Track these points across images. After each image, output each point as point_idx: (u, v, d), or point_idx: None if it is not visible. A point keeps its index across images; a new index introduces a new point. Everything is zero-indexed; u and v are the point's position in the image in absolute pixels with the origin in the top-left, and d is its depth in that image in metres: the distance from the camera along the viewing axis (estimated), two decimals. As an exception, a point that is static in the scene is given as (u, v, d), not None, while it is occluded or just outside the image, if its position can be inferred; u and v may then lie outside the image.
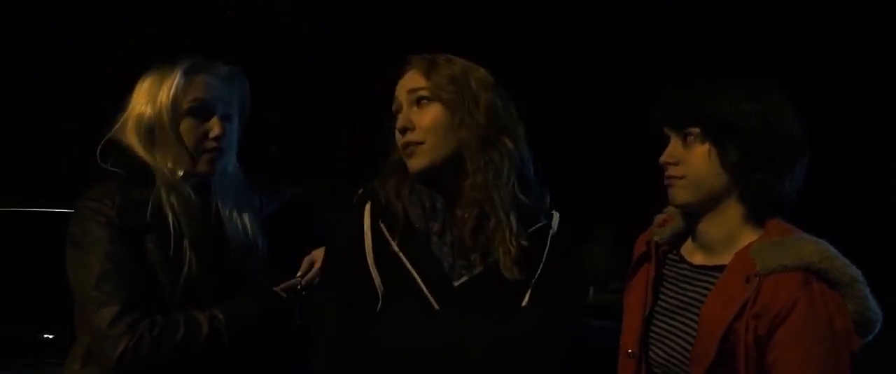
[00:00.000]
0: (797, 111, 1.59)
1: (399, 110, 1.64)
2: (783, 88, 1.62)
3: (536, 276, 1.61)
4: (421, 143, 1.60)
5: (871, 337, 1.55)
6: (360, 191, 1.69)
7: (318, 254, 1.91)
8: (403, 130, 1.61)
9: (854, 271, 1.53)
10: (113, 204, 1.77)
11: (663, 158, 1.64)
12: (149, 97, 1.83)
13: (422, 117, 1.61)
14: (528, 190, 1.66)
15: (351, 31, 7.02)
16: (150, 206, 1.78)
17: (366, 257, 1.59)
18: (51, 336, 2.71)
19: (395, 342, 1.54)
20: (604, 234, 5.26)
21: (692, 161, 1.60)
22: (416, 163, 1.61)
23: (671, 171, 1.62)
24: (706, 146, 1.58)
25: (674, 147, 1.62)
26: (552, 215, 1.71)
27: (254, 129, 1.99)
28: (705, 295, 1.60)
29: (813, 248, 1.53)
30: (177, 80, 1.82)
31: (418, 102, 1.62)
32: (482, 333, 1.54)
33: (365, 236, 1.61)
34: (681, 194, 1.62)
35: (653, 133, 1.68)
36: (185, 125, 1.83)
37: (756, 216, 1.61)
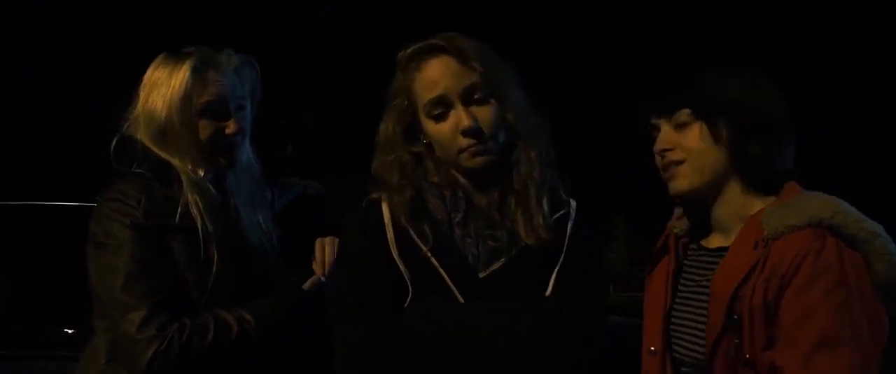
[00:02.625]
0: (776, 88, 1.59)
1: (447, 107, 1.57)
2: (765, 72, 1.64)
3: (559, 265, 1.60)
4: (488, 143, 1.57)
5: None
6: (375, 185, 1.65)
7: (327, 240, 1.89)
8: (473, 134, 1.55)
9: (873, 226, 1.43)
10: (138, 204, 1.73)
11: (658, 146, 1.61)
12: (158, 95, 1.77)
13: (484, 116, 1.57)
14: (553, 175, 1.65)
15: (362, 32, 7.04)
16: (179, 207, 1.74)
17: (391, 252, 1.57)
18: (70, 331, 2.70)
19: (421, 334, 1.52)
20: (620, 229, 5.23)
21: (688, 143, 1.57)
22: (482, 162, 1.58)
23: (669, 156, 1.59)
24: (697, 125, 1.56)
25: (666, 134, 1.60)
26: (571, 203, 1.68)
27: (271, 128, 1.96)
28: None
29: (822, 203, 1.46)
30: (186, 79, 1.75)
31: (475, 99, 1.57)
32: (507, 323, 1.52)
33: (387, 231, 1.58)
34: (683, 181, 1.58)
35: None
36: (199, 125, 1.78)
37: (760, 189, 1.57)
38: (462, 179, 1.62)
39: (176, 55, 1.81)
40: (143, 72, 1.84)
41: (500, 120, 1.59)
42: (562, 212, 1.64)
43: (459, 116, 1.56)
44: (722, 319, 1.46)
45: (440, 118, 1.58)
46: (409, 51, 1.61)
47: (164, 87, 1.77)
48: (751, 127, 1.52)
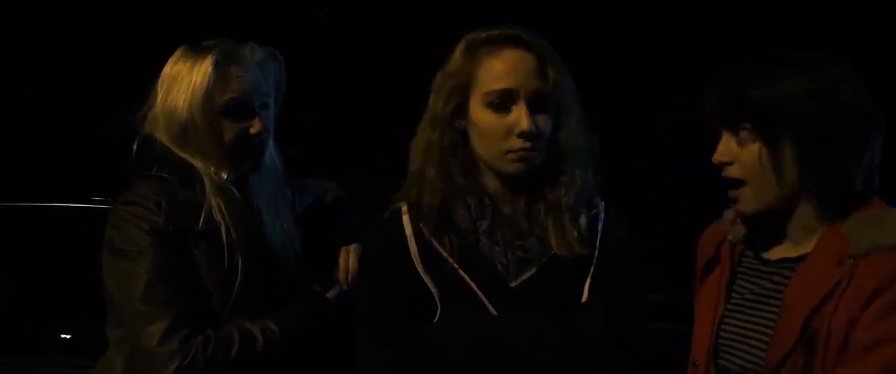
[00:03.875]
0: (860, 82, 1.40)
1: (511, 102, 1.49)
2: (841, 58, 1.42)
3: (592, 271, 1.54)
4: (539, 152, 1.52)
5: None
6: (396, 193, 1.59)
7: (351, 248, 1.85)
8: (531, 138, 1.49)
9: None
10: (158, 208, 1.65)
11: (716, 157, 1.44)
12: (179, 92, 1.68)
13: (543, 124, 1.51)
14: (591, 190, 1.59)
15: (362, 32, 7.03)
16: (203, 212, 1.67)
17: (414, 264, 1.51)
18: (68, 336, 2.68)
19: (453, 348, 1.46)
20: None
21: (748, 160, 1.41)
22: (524, 168, 1.52)
23: (728, 172, 1.44)
24: (758, 144, 1.40)
25: (726, 144, 1.44)
26: (599, 203, 1.61)
27: (278, 130, 1.88)
28: (785, 285, 1.43)
29: None
30: (208, 75, 1.67)
31: (541, 105, 1.51)
32: (543, 333, 1.47)
33: (409, 244, 1.53)
34: (746, 205, 1.44)
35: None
36: (223, 126, 1.70)
37: (838, 205, 1.40)
38: (490, 185, 1.56)
39: (197, 49, 1.72)
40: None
41: (552, 132, 1.53)
42: (591, 213, 1.58)
43: (521, 117, 1.49)
44: (795, 335, 1.35)
45: (498, 109, 1.50)
46: (484, 34, 1.54)
47: (184, 83, 1.68)
48: (823, 145, 1.36)
